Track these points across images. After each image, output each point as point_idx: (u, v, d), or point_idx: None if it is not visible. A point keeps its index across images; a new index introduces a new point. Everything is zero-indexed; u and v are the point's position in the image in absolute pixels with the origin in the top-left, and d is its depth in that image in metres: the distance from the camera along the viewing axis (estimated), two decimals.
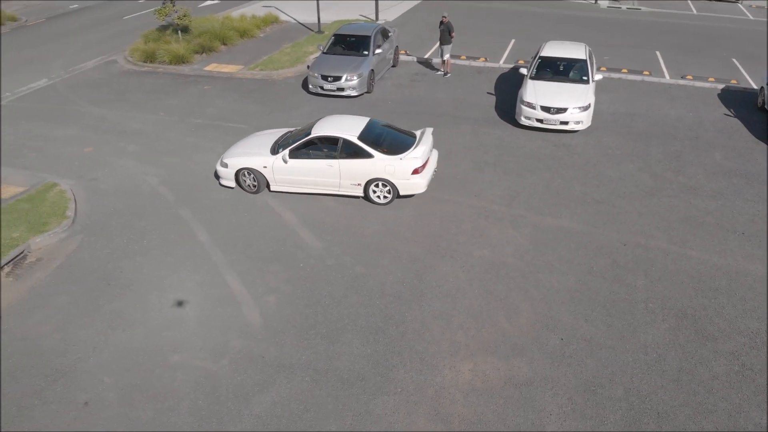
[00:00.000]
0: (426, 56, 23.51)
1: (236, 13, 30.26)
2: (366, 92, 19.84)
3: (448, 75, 21.60)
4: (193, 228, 12.70)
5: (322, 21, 27.46)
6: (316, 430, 8.06)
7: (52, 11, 32.57)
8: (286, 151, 13.15)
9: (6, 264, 11.55)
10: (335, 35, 21.23)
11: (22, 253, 11.91)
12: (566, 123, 16.41)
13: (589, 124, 16.75)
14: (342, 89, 19.33)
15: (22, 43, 26.70)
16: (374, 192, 13.03)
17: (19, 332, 9.89)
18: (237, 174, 13.69)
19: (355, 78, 19.25)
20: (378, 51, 20.46)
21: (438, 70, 22.13)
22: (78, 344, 9.58)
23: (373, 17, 29.10)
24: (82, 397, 8.60)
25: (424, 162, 12.72)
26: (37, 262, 11.72)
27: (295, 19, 29.70)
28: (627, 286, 10.69)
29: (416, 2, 32.73)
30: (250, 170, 13.45)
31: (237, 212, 13.23)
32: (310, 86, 19.78)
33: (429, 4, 32.40)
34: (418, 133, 13.66)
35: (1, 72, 22.76)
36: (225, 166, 13.74)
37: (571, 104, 16.37)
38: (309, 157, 13.05)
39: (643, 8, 31.68)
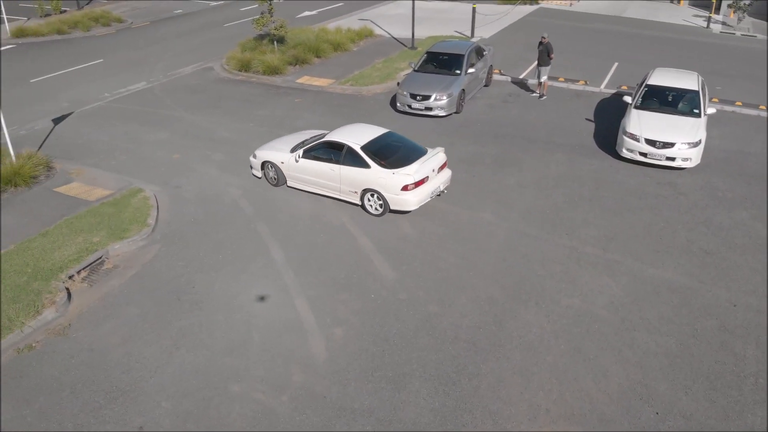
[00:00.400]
0: (521, 76, 22.49)
1: (332, 25, 30.36)
2: (455, 112, 19.11)
3: (544, 97, 20.52)
4: (268, 244, 12.41)
5: (416, 36, 27.01)
6: None
7: (156, 15, 33.99)
8: (300, 151, 13.86)
9: (83, 269, 11.64)
10: (428, 53, 20.66)
11: (100, 258, 12.00)
12: (673, 159, 15.00)
13: (698, 161, 15.23)
14: (430, 109, 18.71)
15: (126, 44, 27.90)
16: (368, 202, 13.21)
17: (87, 342, 9.84)
18: (263, 165, 14.56)
19: (444, 98, 18.57)
20: (471, 70, 19.69)
21: (533, 91, 21.09)
22: (142, 361, 9.39)
23: (469, 34, 28.36)
24: (137, 420, 8.35)
25: (416, 180, 12.60)
26: (114, 269, 11.76)
27: (389, 34, 29.42)
28: (735, 356, 9.36)
29: (515, 20, 31.68)
30: (272, 164, 14.25)
31: (313, 231, 12.84)
32: (398, 104, 19.27)
33: (528, 22, 31.29)
34: (429, 151, 13.47)
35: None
36: (254, 156, 14.73)
37: (680, 139, 14.95)
38: (317, 159, 13.58)
39: (759, 36, 29.16)
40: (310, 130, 15.95)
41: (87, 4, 36.56)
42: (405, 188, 12.54)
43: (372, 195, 13.01)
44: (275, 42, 24.86)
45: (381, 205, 13.02)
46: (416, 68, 20.21)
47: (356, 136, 13.49)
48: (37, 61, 25.59)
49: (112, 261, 12.05)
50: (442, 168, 13.48)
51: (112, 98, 21.16)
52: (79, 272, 11.55)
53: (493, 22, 30.74)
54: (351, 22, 31.42)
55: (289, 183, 14.41)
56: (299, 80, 22.61)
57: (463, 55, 19.90)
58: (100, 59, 25.81)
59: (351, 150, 13.10)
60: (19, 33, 29.10)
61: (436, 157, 13.28)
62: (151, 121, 18.91)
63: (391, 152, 13.23)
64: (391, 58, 25.15)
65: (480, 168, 15.51)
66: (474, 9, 27.87)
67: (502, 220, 13.10)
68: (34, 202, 14.09)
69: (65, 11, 34.18)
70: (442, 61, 20.13)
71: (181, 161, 16.21)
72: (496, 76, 22.64)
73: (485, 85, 21.72)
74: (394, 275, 11.34)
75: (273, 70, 22.95)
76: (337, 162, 13.24)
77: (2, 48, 27.66)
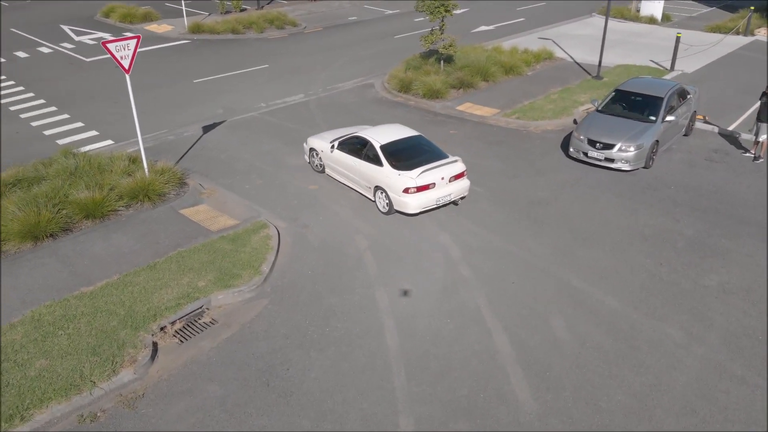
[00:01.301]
0: (731, 128, 18.23)
1: (508, 43, 27.63)
2: (642, 167, 15.64)
3: (761, 160, 16.27)
4: (384, 323, 10.27)
5: (603, 64, 23.45)
6: None
7: (330, 20, 33.45)
8: (336, 143, 14.68)
9: (179, 319, 10.31)
10: (617, 90, 17.27)
11: (200, 309, 10.61)
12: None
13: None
14: (611, 160, 15.43)
15: (295, 50, 27.39)
16: (379, 198, 13.71)
17: (154, 423, 8.34)
18: (310, 152, 15.59)
19: (632, 149, 15.21)
20: (670, 118, 16.07)
21: (747, 150, 16.87)
22: None
23: (667, 65, 24.15)
24: None
25: (419, 185, 12.77)
26: (210, 326, 10.28)
27: (571, 57, 26.06)
28: None
29: (725, 53, 26.69)
30: (316, 152, 15.33)
31: (441, 313, 10.47)
32: (571, 149, 16.21)
33: (741, 56, 26.17)
34: (449, 158, 13.55)
35: None
36: (306, 143, 15.79)
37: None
38: (347, 152, 14.36)
39: None
40: (359, 126, 16.55)
41: (268, 3, 37.20)
42: (406, 191, 12.80)
43: (382, 192, 13.45)
44: (441, 61, 22.74)
45: (387, 204, 13.42)
46: (600, 108, 16.96)
47: (383, 135, 13.97)
48: (206, 60, 25.84)
49: (212, 314, 10.60)
50: (457, 178, 13.34)
51: (267, 109, 20.35)
52: (173, 323, 10.23)
53: (698, 53, 26.11)
54: (530, 41, 28.44)
55: (326, 171, 15.34)
56: (460, 107, 20.27)
57: (661, 98, 16.31)
58: (266, 64, 25.46)
59: (372, 147, 13.68)
60: (196, 29, 29.90)
61: (449, 165, 13.26)
62: (297, 140, 17.67)
63: (407, 155, 13.48)
64: (569, 87, 21.93)
65: (668, 253, 12.12)
66: (678, 38, 23.60)
67: (695, 342, 9.77)
68: (155, 223, 13.21)
69: (245, 9, 34.90)
70: (634, 103, 16.68)
71: (316, 194, 14.64)
72: (698, 124, 18.60)
73: (685, 135, 17.85)
74: (534, 405, 8.61)
75: (434, 94, 20.84)
76: (360, 157, 13.91)
77: (176, 43, 28.51)
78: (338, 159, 14.57)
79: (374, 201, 13.92)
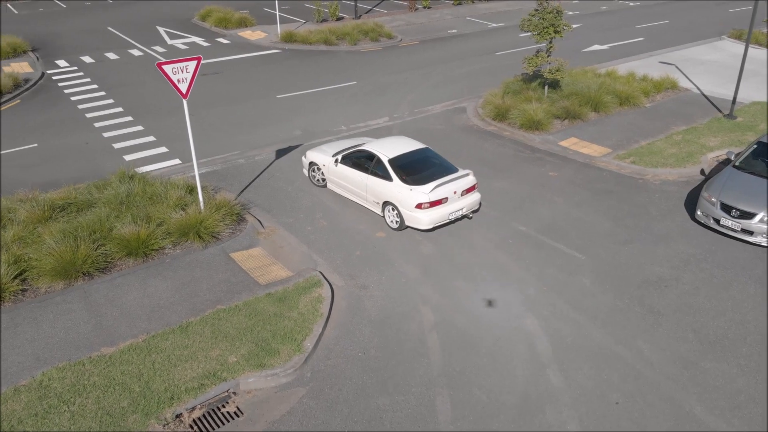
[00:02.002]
0: None
1: (624, 67, 24.53)
2: None
3: None
4: None
5: (738, 99, 19.99)
6: None
7: (428, 33, 31.41)
8: (339, 156, 14.07)
9: (199, 406, 8.63)
10: (760, 143, 14.13)
11: (224, 394, 8.89)
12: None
13: None
14: (750, 233, 12.43)
15: (386, 65, 25.59)
16: (388, 215, 13.22)
17: None
18: (310, 166, 14.98)
19: None
20: None
21: None
22: None
23: None
24: None
25: (431, 200, 12.38)
26: (233, 419, 8.53)
27: (697, 88, 22.64)
28: None
29: None
30: (317, 166, 14.71)
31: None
32: (699, 211, 13.31)
33: None
34: (459, 171, 13.15)
35: None
36: (305, 156, 15.11)
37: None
38: (352, 166, 13.77)
39: None
40: (360, 137, 15.84)
41: (366, 13, 35.72)
42: (419, 206, 12.41)
43: (392, 209, 13.00)
44: (546, 87, 20.15)
45: (398, 219, 12.95)
46: (737, 163, 13.91)
47: (390, 148, 13.47)
48: (293, 73, 24.55)
49: (239, 400, 8.85)
50: (468, 191, 13.07)
51: (346, 133, 18.63)
52: (192, 410, 8.57)
53: None
54: (649, 64, 25.16)
55: (328, 186, 14.75)
56: (563, 142, 17.65)
57: None
58: (353, 81, 23.82)
59: (380, 161, 13.19)
60: (288, 38, 28.79)
61: (461, 179, 12.91)
62: None
63: (416, 169, 13.06)
64: (696, 127, 18.73)
65: None
66: None
67: None
68: (201, 268, 11.71)
69: (342, 18, 33.61)
70: None
71: (383, 244, 12.67)
72: None
73: None
74: None
75: (533, 125, 18.34)
76: (367, 171, 13.38)
77: (267, 52, 27.46)
78: (342, 173, 13.99)
79: (382, 216, 13.46)
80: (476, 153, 17.06)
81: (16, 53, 26.16)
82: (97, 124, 19.10)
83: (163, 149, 17.35)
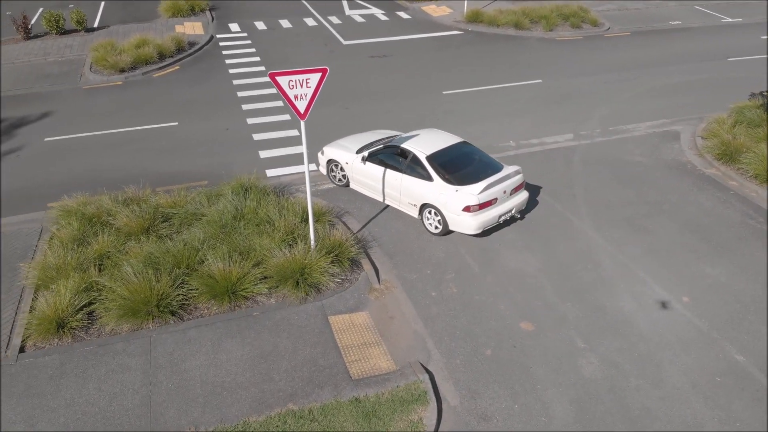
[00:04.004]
0: None
1: None
2: None
3: None
4: None
5: None
6: None
7: (644, 23, 25.90)
8: (366, 153, 12.54)
9: None
10: None
11: None
12: None
13: None
14: None
15: (584, 60, 21.14)
16: (427, 218, 11.83)
17: None
18: (328, 164, 13.36)
19: None
20: None
21: None
22: None
23: None
24: None
25: (481, 202, 11.01)
26: None
27: None
28: None
29: None
30: (337, 163, 13.13)
31: None
32: None
33: None
34: (504, 168, 11.76)
35: None
36: (322, 153, 13.49)
37: None
38: (383, 164, 12.30)
39: None
40: (383, 130, 14.21)
41: None
42: (467, 209, 11.02)
43: (431, 211, 11.61)
44: None
45: (440, 223, 11.54)
46: None
47: (425, 144, 11.98)
48: (468, 63, 21.16)
49: None
50: (516, 190, 11.73)
51: (513, 152, 15.12)
52: None
53: None
54: None
55: (351, 185, 13.33)
56: None
57: None
58: (538, 78, 19.90)
59: (416, 158, 11.75)
60: (474, 17, 25.24)
61: (510, 177, 11.57)
62: (534, 221, 12.28)
63: (459, 166, 11.62)
64: None
65: None
66: None
67: None
68: (288, 334, 9.32)
69: None
70: None
71: (526, 342, 9.31)
72: None
73: None
74: None
75: None
76: (401, 170, 11.97)
77: (447, 33, 24.18)
78: (370, 173, 12.50)
79: (419, 219, 12.10)
80: (684, 209, 12.67)
81: (194, 11, 25.72)
82: (244, 106, 17.55)
83: (299, 149, 15.22)
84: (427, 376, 8.58)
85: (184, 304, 9.80)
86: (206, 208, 11.78)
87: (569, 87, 19.21)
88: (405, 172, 11.89)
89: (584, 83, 19.51)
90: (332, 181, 13.55)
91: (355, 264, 10.91)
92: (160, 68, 20.15)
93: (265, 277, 10.22)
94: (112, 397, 8.27)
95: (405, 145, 11.98)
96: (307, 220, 11.50)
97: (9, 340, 9.15)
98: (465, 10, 25.94)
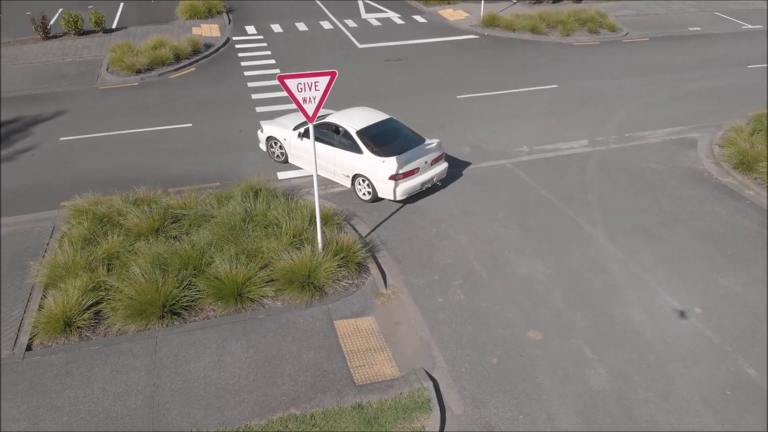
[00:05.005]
0: None
1: None
2: None
3: None
4: None
5: None
6: None
7: (662, 28, 25.58)
8: (302, 130, 13.53)
9: None
10: None
11: None
12: None
13: None
14: None
15: (600, 66, 20.91)
16: (358, 187, 13.07)
17: None
18: (267, 141, 14.41)
19: None
20: None
21: None
22: None
23: None
24: None
25: (404, 170, 12.36)
26: None
27: None
28: None
29: None
30: (276, 140, 14.16)
31: None
32: None
33: None
34: (426, 141, 13.11)
35: None
36: (261, 131, 14.51)
37: None
38: (318, 140, 13.24)
39: None
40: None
41: None
42: (393, 177, 12.26)
43: (362, 181, 12.84)
44: None
45: (369, 191, 12.82)
46: None
47: (356, 120, 13.11)
48: (483, 66, 21.05)
49: None
50: (437, 161, 13.09)
51: (527, 158, 14.98)
52: None
53: None
54: None
55: (290, 160, 14.29)
56: None
57: None
58: (553, 83, 19.73)
59: (347, 133, 12.87)
60: (490, 21, 25.09)
61: (430, 148, 12.91)
62: (546, 227, 12.16)
63: (385, 139, 12.82)
64: None
65: None
66: None
67: None
68: (293, 338, 9.29)
69: (560, 0, 28.96)
70: None
71: (533, 350, 9.18)
72: None
73: None
74: None
75: None
76: (334, 144, 13.04)
77: (463, 37, 24.07)
78: (307, 148, 13.57)
79: (352, 189, 13.28)
80: (699, 218, 12.45)
81: (211, 14, 25.88)
82: (258, 109, 17.60)
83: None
84: (431, 383, 8.49)
85: (190, 305, 9.81)
86: (216, 210, 11.80)
87: (585, 92, 19.01)
88: (338, 146, 12.94)
89: (601, 89, 19.30)
90: (271, 157, 14.53)
91: (362, 268, 10.85)
92: (176, 70, 20.28)
93: (272, 280, 10.20)
94: (116, 397, 8.29)
95: (338, 122, 13.02)
96: (315, 223, 11.47)
97: (17, 338, 9.21)
98: (481, 14, 25.82)
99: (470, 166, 14.57)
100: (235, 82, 19.48)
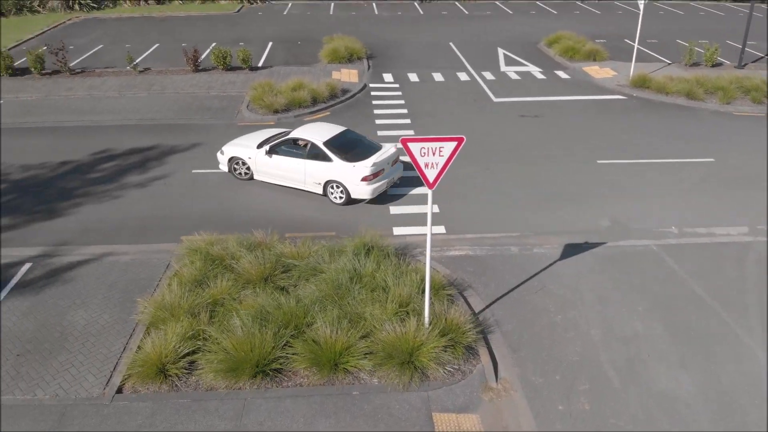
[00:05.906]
0: None
1: None
2: None
3: None
4: None
5: None
6: None
7: None
8: (268, 147, 14.78)
9: None
10: None
11: None
12: None
13: None
14: None
15: (763, 139, 18.43)
16: (331, 192, 14.37)
17: None
18: (230, 161, 15.39)
19: None
20: None
21: None
22: None
23: None
24: None
25: (375, 172, 13.86)
26: None
27: None
28: None
29: None
30: (240, 160, 15.21)
31: None
32: None
33: None
34: (384, 146, 14.70)
35: None
36: (222, 153, 15.48)
37: None
38: (285, 154, 14.63)
39: None
40: (270, 129, 16.63)
41: (754, 61, 27.60)
42: (365, 179, 13.76)
43: (336, 186, 14.16)
44: None
45: (342, 194, 14.16)
46: None
47: (318, 133, 14.51)
48: (630, 131, 19.32)
49: None
50: (395, 162, 14.78)
51: (674, 241, 13.20)
52: None
53: None
54: None
55: (256, 177, 15.31)
56: None
57: None
58: (710, 157, 17.62)
59: (314, 146, 14.21)
60: (640, 82, 23.23)
61: (389, 152, 14.48)
62: (695, 331, 10.39)
63: (350, 147, 14.33)
64: None
65: None
66: None
67: None
68: (381, 426, 8.37)
69: (721, 64, 26.50)
70: None
71: None
72: None
73: None
74: None
75: None
76: (303, 157, 14.33)
77: (609, 97, 22.41)
78: (275, 163, 14.70)
79: (322, 194, 14.52)
80: None
81: (351, 59, 26.24)
82: None
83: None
84: None
85: (283, 367, 9.20)
86: (326, 264, 11.26)
87: (747, 170, 16.74)
88: (307, 158, 14.23)
89: (765, 167, 16.92)
90: (234, 175, 15.52)
91: (471, 352, 9.74)
92: (311, 112, 20.51)
93: (371, 352, 9.37)
94: None
95: (303, 136, 14.41)
96: (424, 292, 10.55)
97: (110, 377, 9.05)
98: (631, 74, 24.04)
99: (608, 243, 13.05)
100: (365, 129, 19.26)
